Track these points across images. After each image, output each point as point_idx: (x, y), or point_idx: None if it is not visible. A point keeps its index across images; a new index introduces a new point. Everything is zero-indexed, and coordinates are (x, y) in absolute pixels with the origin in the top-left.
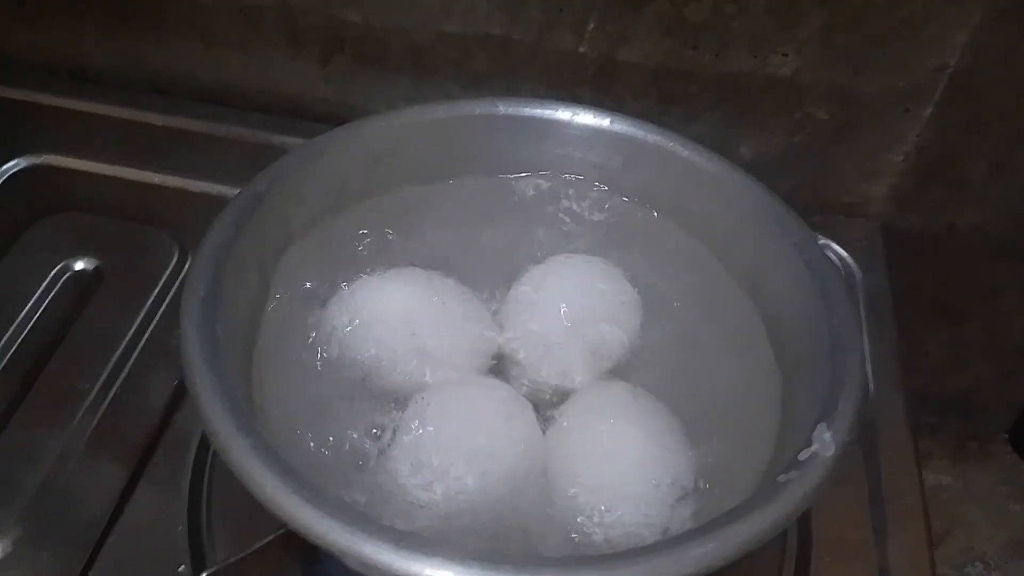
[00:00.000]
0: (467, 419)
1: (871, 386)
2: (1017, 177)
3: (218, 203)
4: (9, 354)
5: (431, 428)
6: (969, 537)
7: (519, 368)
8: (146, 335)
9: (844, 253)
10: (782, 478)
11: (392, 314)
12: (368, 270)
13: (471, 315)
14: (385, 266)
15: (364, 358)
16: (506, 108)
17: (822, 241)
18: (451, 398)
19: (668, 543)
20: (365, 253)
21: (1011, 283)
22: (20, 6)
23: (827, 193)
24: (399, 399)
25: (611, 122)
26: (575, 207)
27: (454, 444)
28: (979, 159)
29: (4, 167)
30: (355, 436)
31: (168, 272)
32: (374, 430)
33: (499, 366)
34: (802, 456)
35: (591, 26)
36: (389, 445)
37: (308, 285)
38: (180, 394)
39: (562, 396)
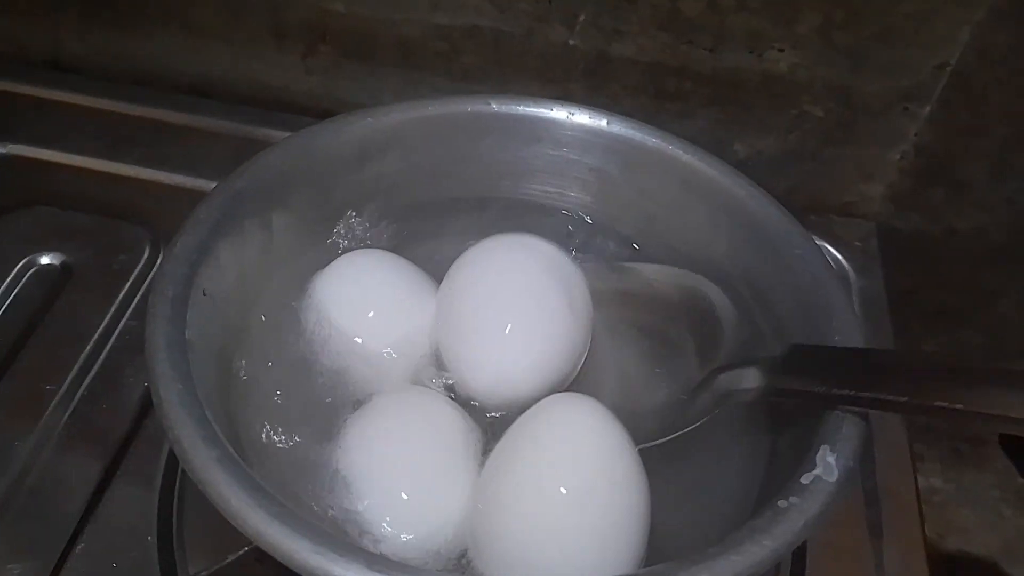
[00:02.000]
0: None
1: None
2: (1018, 179)
3: (195, 197)
4: None
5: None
6: (962, 541)
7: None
8: (116, 332)
9: (838, 254)
10: (783, 503)
11: (345, 319)
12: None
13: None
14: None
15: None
16: (499, 106)
17: (817, 242)
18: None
19: (661, 571)
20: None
21: (1010, 287)
22: None
23: (823, 193)
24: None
25: (608, 123)
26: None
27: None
28: (979, 160)
29: None
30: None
31: (140, 267)
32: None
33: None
34: (804, 480)
35: (582, 19)
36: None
37: (286, 289)
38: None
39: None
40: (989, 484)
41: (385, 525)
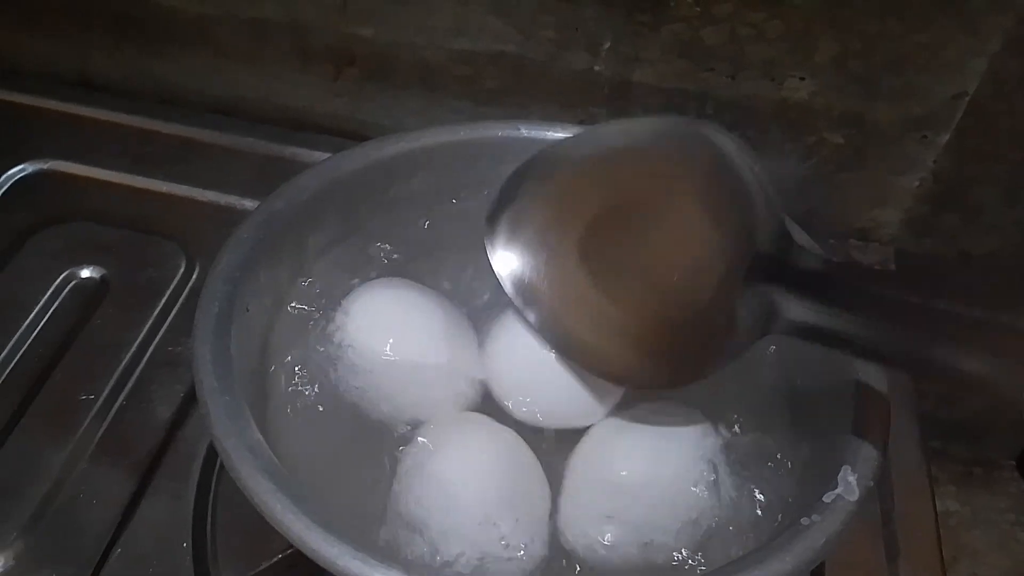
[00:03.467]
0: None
1: None
2: None
3: (226, 214)
4: (13, 363)
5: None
6: (975, 564)
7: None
8: (152, 345)
9: None
10: (805, 521)
11: (381, 340)
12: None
13: (460, 341)
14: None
15: (354, 388)
16: (528, 131)
17: None
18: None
19: None
20: (375, 275)
21: (1021, 313)
22: (28, 15)
23: (840, 217)
24: (397, 429)
25: None
26: None
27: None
28: (993, 186)
29: (10, 173)
30: (361, 465)
31: (175, 282)
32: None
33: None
34: (827, 499)
35: (606, 46)
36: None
37: (317, 310)
38: (186, 406)
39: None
40: (1004, 508)
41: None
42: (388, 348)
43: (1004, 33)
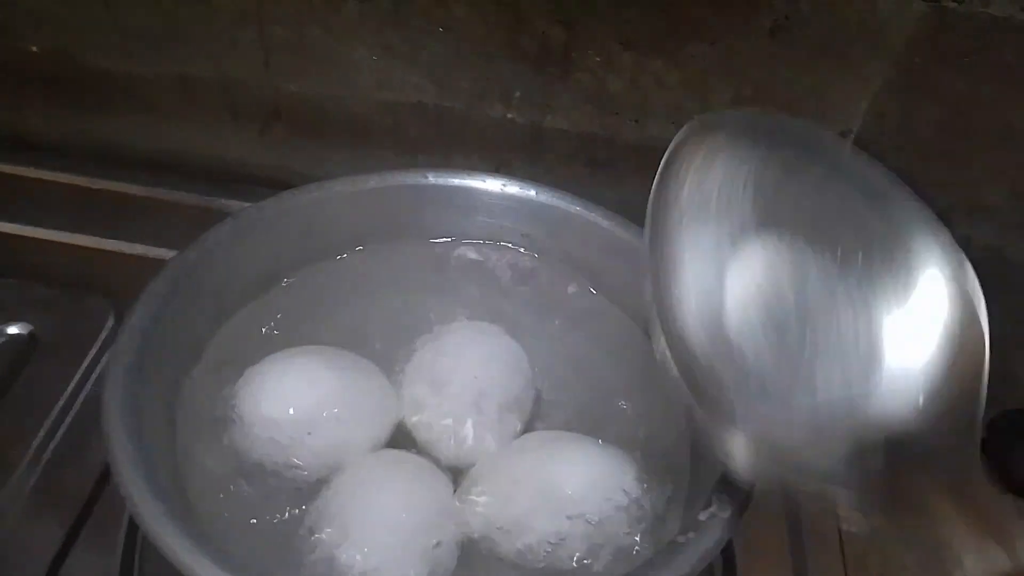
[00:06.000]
0: (383, 499)
1: None
2: None
3: (156, 267)
4: None
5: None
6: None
7: (424, 441)
8: (80, 398)
9: None
10: (681, 539)
11: (285, 403)
12: (281, 346)
13: (370, 392)
14: (304, 338)
15: (261, 445)
16: (436, 178)
17: None
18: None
19: None
20: (289, 324)
21: None
22: None
23: None
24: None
25: (536, 193)
26: (496, 272)
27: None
28: None
29: None
30: (272, 516)
31: (104, 336)
32: (289, 509)
33: (401, 435)
34: (702, 516)
35: (518, 95)
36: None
37: (227, 359)
38: None
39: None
40: None
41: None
42: (286, 414)
43: (882, 75)
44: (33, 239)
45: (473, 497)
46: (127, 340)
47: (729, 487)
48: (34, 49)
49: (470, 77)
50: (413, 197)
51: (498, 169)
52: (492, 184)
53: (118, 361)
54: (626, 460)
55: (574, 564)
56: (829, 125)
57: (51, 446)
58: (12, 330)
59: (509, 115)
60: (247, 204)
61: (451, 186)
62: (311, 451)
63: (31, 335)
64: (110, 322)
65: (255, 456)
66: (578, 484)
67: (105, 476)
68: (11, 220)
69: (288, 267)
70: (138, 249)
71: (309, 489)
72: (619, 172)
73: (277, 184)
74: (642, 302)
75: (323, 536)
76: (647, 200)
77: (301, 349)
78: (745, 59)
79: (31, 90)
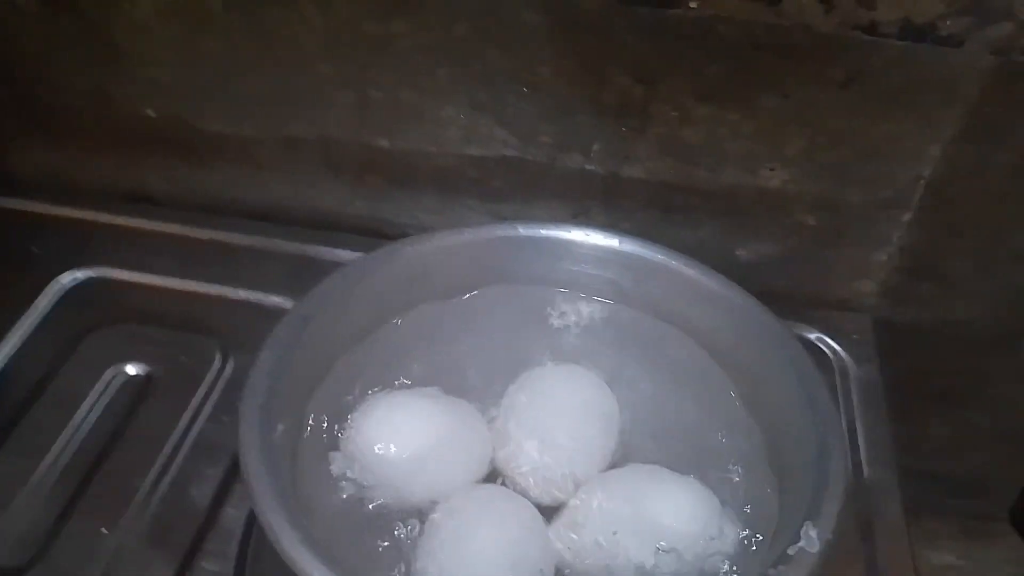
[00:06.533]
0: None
1: (866, 470)
2: (998, 276)
3: (258, 310)
4: (69, 455)
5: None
6: None
7: (515, 480)
8: (192, 434)
9: (837, 346)
10: (772, 572)
11: (392, 442)
12: (393, 384)
13: (469, 432)
14: (410, 379)
15: (367, 480)
16: (525, 230)
17: (815, 335)
18: (461, 515)
19: None
20: (393, 367)
21: (1007, 373)
22: (92, 142)
23: (820, 289)
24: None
25: (620, 243)
26: (582, 318)
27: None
28: (961, 258)
29: (63, 280)
30: (381, 544)
31: (212, 375)
32: (398, 534)
33: (495, 473)
34: (791, 551)
35: (596, 147)
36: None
37: (341, 394)
38: (224, 488)
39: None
40: (1001, 559)
41: None
42: (394, 452)
43: (954, 123)
44: (146, 286)
45: (566, 530)
46: (257, 382)
47: (817, 523)
48: (152, 114)
49: (552, 131)
50: (506, 247)
51: (577, 215)
52: (578, 234)
53: (250, 403)
54: (715, 495)
55: None
56: (902, 171)
57: (165, 480)
58: (131, 371)
59: (588, 166)
60: (340, 251)
61: (540, 237)
62: (414, 487)
63: (147, 375)
64: (216, 362)
65: (360, 490)
66: (668, 517)
67: (216, 504)
68: (129, 268)
69: (394, 311)
70: (241, 294)
71: (410, 523)
72: (694, 217)
73: (369, 232)
74: (725, 345)
75: (426, 569)
76: (722, 243)
77: (406, 392)
78: (818, 109)
79: (149, 150)
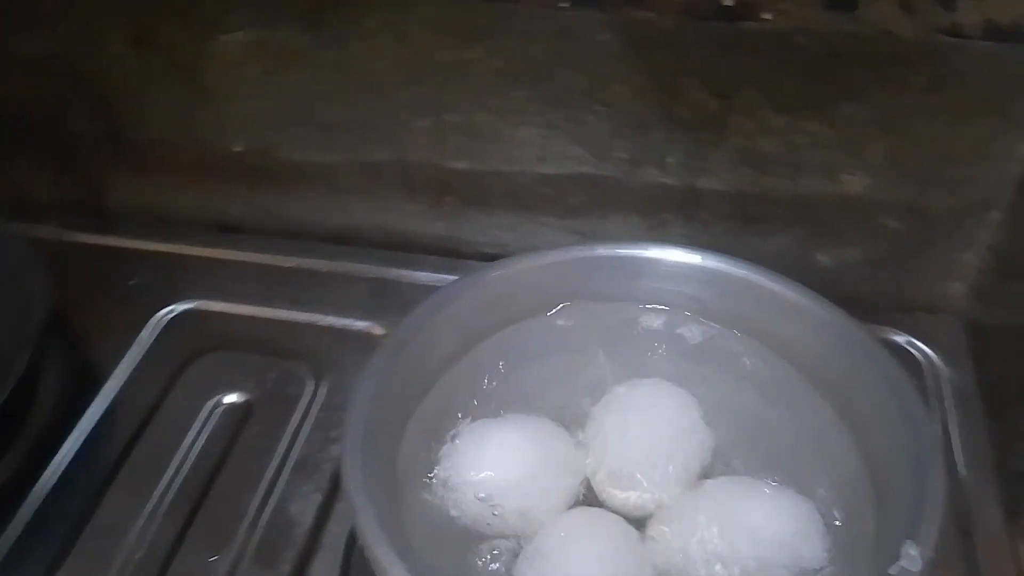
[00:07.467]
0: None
1: (963, 473)
2: None
3: (344, 335)
4: (179, 483)
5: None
6: None
7: (609, 496)
8: (292, 457)
9: (927, 349)
10: None
11: (491, 471)
12: (486, 408)
13: (561, 455)
14: (499, 401)
15: (466, 506)
16: (605, 250)
17: (905, 339)
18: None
19: None
20: (483, 389)
21: None
22: (177, 175)
23: (907, 292)
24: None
25: (702, 259)
26: (669, 333)
27: None
28: None
29: (164, 313)
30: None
31: (306, 399)
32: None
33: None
34: (892, 571)
35: (671, 160)
36: None
37: (436, 425)
38: (325, 509)
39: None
40: None
41: None
42: (490, 479)
43: None
44: (239, 315)
45: (660, 543)
46: (358, 410)
47: (917, 540)
48: (238, 149)
49: (626, 147)
50: (590, 266)
51: (653, 229)
52: (662, 252)
53: (352, 432)
54: (811, 507)
55: None
56: (989, 172)
57: (270, 502)
58: (230, 399)
59: (663, 180)
60: (419, 273)
61: (621, 256)
62: (510, 512)
63: (246, 402)
64: (309, 386)
65: (458, 514)
66: (766, 529)
67: (318, 525)
68: (220, 299)
69: (478, 339)
70: (328, 320)
71: (508, 547)
72: (774, 226)
73: (447, 252)
74: (811, 359)
75: None
76: (802, 250)
77: (499, 420)
78: (901, 114)
79: (234, 182)
